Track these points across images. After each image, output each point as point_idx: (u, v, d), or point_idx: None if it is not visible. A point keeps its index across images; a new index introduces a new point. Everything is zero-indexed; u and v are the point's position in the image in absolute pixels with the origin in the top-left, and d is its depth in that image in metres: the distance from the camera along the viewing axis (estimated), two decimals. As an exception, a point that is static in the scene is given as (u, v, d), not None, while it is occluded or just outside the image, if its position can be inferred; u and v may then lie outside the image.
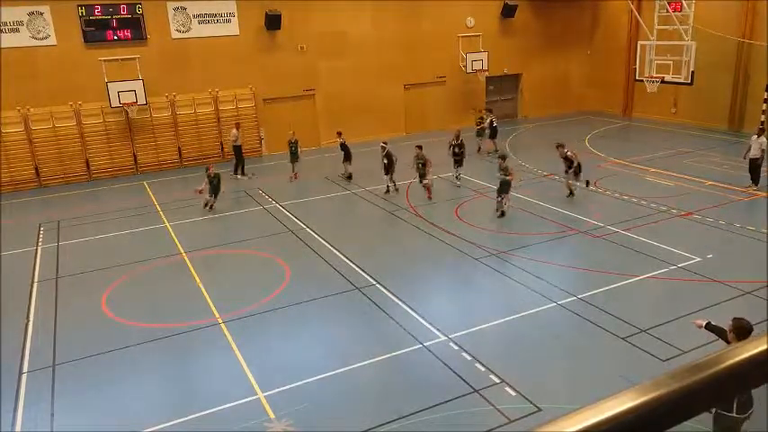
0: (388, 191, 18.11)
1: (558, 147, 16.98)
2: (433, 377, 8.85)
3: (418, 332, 10.10)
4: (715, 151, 21.76)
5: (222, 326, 10.66)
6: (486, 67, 27.57)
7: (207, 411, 8.24)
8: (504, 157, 15.95)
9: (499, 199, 15.67)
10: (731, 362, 1.01)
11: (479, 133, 23.17)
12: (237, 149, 21.29)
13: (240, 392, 8.62)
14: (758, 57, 23.41)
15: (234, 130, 21.37)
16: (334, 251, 13.84)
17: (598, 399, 0.94)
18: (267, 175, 21.86)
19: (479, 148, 22.96)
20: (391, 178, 17.91)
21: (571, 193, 16.92)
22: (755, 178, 16.84)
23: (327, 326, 10.72)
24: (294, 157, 20.29)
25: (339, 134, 20.39)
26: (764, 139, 16.57)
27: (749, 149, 16.88)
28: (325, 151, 24.64)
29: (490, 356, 9.22)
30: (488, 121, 22.95)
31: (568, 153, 16.72)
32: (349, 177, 20.04)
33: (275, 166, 23.02)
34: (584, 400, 0.97)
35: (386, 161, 17.77)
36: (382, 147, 18.02)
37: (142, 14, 22.09)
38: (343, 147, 19.88)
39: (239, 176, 21.24)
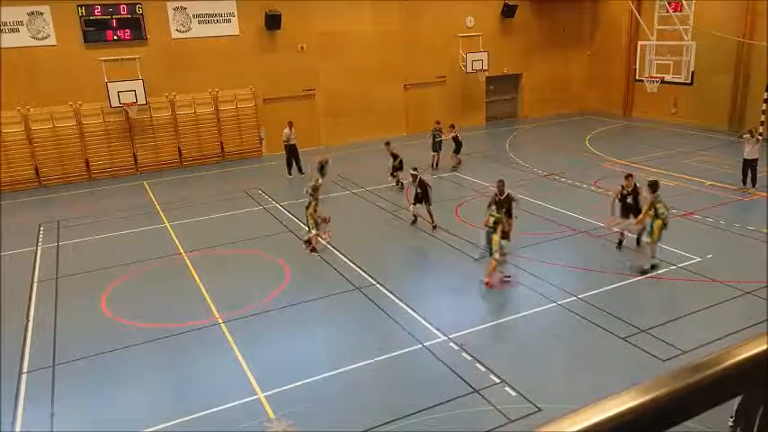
0: (414, 221, 15.43)
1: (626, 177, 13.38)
2: (433, 377, 8.84)
3: (418, 332, 10.10)
4: (715, 151, 21.76)
5: (222, 326, 10.66)
6: (486, 67, 27.56)
7: (207, 411, 8.24)
8: None
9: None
10: (731, 362, 1.01)
11: (435, 147, 20.84)
12: (290, 148, 20.89)
13: (240, 392, 8.61)
14: (758, 57, 23.40)
15: (286, 130, 20.91)
16: (334, 251, 13.83)
17: (598, 399, 0.93)
18: (267, 175, 21.85)
19: (436, 164, 20.86)
20: (429, 211, 15.01)
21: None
22: (753, 179, 16.80)
23: (327, 326, 10.72)
24: (321, 174, 18.57)
25: (453, 127, 20.71)
26: (758, 138, 16.59)
27: (743, 148, 16.88)
28: (325, 151, 24.57)
29: (490, 356, 9.22)
30: (452, 135, 20.69)
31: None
32: (457, 165, 20.62)
33: (275, 166, 23.01)
34: (584, 400, 0.97)
35: (419, 190, 15.00)
36: (413, 174, 15.28)
37: (142, 14, 22.09)
38: (456, 139, 20.38)
39: (290, 175, 20.92)
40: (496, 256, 11.45)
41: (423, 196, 14.90)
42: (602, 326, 10.05)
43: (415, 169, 15.36)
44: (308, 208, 13.83)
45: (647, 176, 18.75)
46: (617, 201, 13.11)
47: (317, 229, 13.79)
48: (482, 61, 27.36)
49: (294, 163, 20.93)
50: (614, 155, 21.81)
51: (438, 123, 21.05)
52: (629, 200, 12.98)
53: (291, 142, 20.85)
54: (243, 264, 13.70)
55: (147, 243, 15.16)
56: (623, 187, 13.13)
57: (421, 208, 15.07)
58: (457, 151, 20.75)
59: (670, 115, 27.28)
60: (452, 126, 20.97)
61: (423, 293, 11.81)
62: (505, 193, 13.03)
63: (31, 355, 10.09)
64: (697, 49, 21.00)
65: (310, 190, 13.98)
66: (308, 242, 13.95)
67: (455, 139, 20.59)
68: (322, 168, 18.70)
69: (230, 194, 19.17)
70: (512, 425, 7.65)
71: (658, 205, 11.71)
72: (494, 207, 12.09)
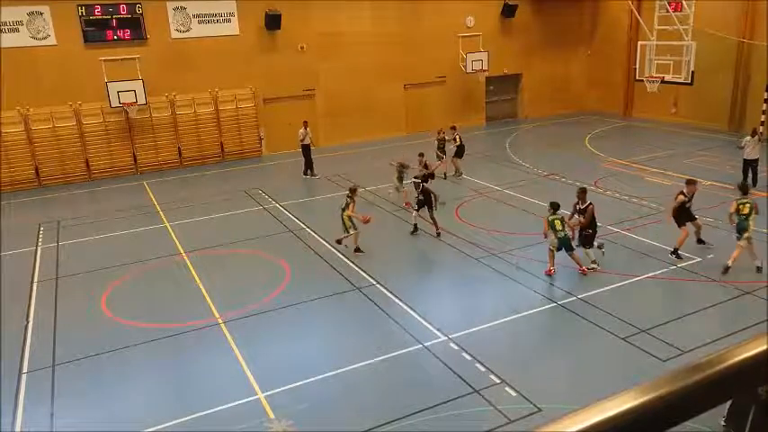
0: (415, 230, 14.76)
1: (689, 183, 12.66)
2: (433, 377, 8.85)
3: (418, 332, 10.10)
4: (715, 151, 21.75)
5: (222, 326, 10.66)
6: (486, 67, 27.56)
7: (207, 411, 8.24)
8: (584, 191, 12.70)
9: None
10: (731, 362, 1.01)
11: (440, 155, 19.70)
12: (305, 149, 20.64)
13: (240, 392, 8.62)
14: (758, 57, 23.39)
15: (301, 129, 20.63)
16: (334, 251, 13.83)
17: (598, 399, 0.94)
18: (267, 175, 21.86)
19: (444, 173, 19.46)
20: (432, 217, 14.52)
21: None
22: (754, 179, 16.81)
23: (327, 326, 10.72)
24: (401, 182, 17.36)
25: (454, 128, 19.94)
26: (759, 138, 16.61)
27: (743, 150, 16.88)
28: (326, 151, 24.61)
29: (490, 356, 9.21)
30: (456, 137, 19.70)
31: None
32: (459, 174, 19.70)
33: (275, 166, 23.04)
34: (584, 400, 0.97)
35: (422, 197, 14.49)
36: (416, 183, 14.94)
37: (142, 14, 22.09)
38: (459, 144, 19.59)
39: (309, 176, 20.72)
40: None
41: (426, 203, 14.45)
42: (602, 326, 10.05)
43: (417, 177, 15.24)
44: (344, 209, 13.49)
45: (647, 176, 18.83)
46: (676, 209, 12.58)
47: (353, 230, 13.46)
48: (482, 61, 27.35)
49: (305, 163, 20.72)
50: (614, 155, 21.80)
51: (441, 132, 19.92)
52: (688, 205, 12.51)
53: (305, 142, 20.58)
54: (243, 264, 13.70)
55: (147, 243, 15.16)
56: (685, 194, 12.44)
57: (424, 213, 14.64)
58: (459, 155, 19.73)
59: (670, 115, 27.27)
60: (453, 128, 20.17)
61: (423, 293, 11.81)
62: (588, 203, 12.36)
63: (31, 355, 10.09)
64: (697, 49, 21.00)
65: (348, 192, 13.75)
66: (339, 242, 13.79)
67: (460, 142, 19.63)
68: (401, 172, 17.10)
69: (230, 194, 19.17)
70: (512, 425, 7.65)
71: (741, 207, 11.51)
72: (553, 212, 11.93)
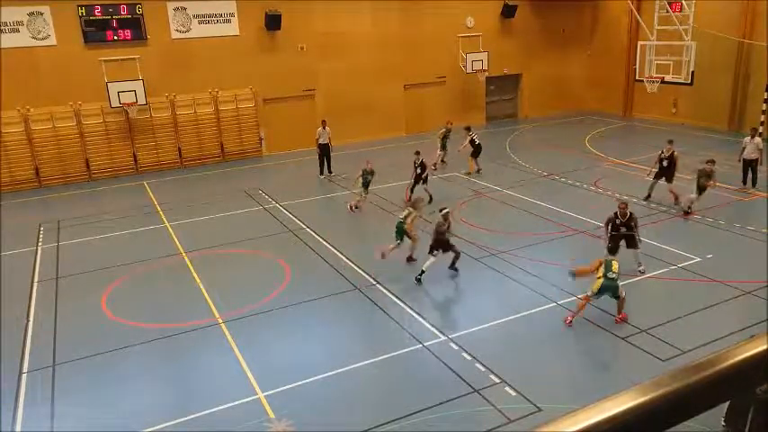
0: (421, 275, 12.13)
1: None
2: (433, 377, 8.85)
3: (418, 332, 10.10)
4: (715, 151, 21.71)
5: (222, 326, 10.66)
6: (486, 67, 27.57)
7: (207, 411, 8.24)
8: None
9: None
10: (731, 362, 1.01)
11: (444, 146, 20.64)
12: (321, 147, 20.35)
13: (240, 392, 8.62)
14: (758, 57, 23.39)
15: (319, 128, 20.39)
16: (335, 251, 13.83)
17: (598, 399, 0.94)
18: (267, 175, 21.86)
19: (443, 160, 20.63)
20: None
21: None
22: (753, 179, 16.84)
23: (327, 326, 10.72)
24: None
25: (468, 129, 20.29)
26: (759, 140, 16.62)
27: (743, 151, 16.91)
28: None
29: (490, 356, 9.22)
30: (469, 139, 19.92)
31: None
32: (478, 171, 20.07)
33: (275, 166, 23.05)
34: (584, 400, 0.98)
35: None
36: (444, 215, 12.19)
37: (142, 15, 22.08)
38: (473, 143, 19.90)
39: (324, 176, 20.54)
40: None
41: (440, 245, 12.05)
42: (603, 326, 10.05)
43: (445, 208, 12.41)
44: (403, 222, 12.61)
45: (647, 176, 18.80)
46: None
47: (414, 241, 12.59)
48: (482, 61, 27.36)
49: (325, 162, 20.57)
50: (614, 155, 21.80)
51: (449, 124, 21.08)
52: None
53: (322, 141, 20.34)
54: (243, 264, 13.70)
55: (147, 243, 15.15)
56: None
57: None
58: (476, 155, 19.91)
59: (670, 115, 27.26)
60: (468, 128, 20.35)
61: (422, 293, 11.80)
62: (628, 215, 11.89)
63: (31, 355, 10.09)
64: (697, 49, 21.00)
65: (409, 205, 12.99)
66: (384, 255, 12.69)
67: (472, 143, 19.86)
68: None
69: (230, 194, 19.17)
70: (512, 425, 7.65)
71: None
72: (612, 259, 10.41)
